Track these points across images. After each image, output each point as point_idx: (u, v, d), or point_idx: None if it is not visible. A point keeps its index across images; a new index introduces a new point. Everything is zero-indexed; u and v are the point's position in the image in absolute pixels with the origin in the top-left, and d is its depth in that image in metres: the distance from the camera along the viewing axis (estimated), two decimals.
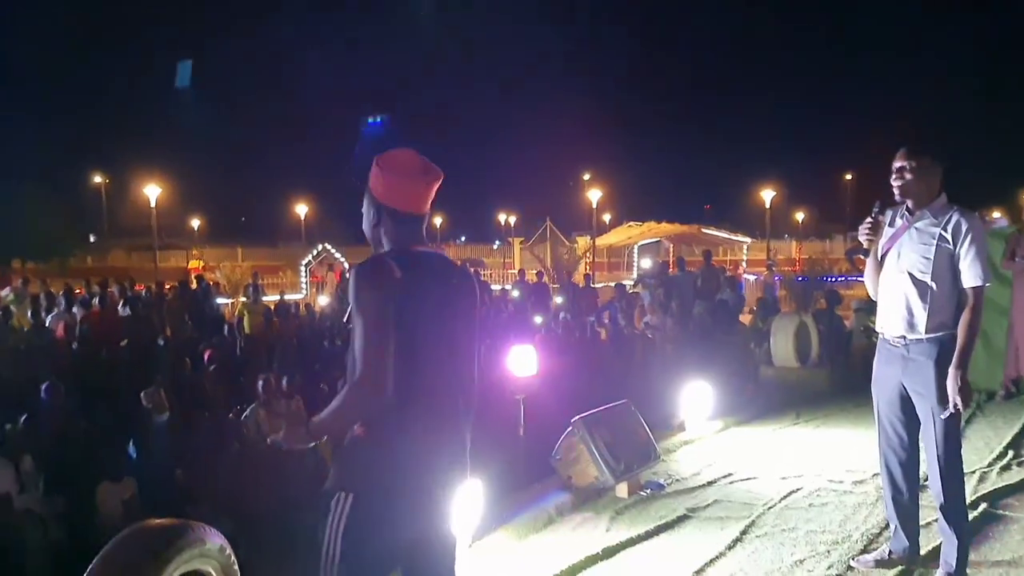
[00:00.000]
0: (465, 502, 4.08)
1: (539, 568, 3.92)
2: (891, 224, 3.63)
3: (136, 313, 11.59)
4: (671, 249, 25.88)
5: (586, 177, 42.52)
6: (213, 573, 2.40)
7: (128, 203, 39.82)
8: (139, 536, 2.25)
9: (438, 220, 56.26)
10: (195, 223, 45.91)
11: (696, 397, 6.86)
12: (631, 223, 27.37)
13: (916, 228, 3.53)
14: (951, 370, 3.40)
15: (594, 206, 31.40)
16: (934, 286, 3.46)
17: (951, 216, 3.47)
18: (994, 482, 5.12)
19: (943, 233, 3.45)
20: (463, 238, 53.60)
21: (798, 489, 5.14)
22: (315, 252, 20.75)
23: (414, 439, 2.10)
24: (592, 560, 4.07)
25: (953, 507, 3.56)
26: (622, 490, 5.10)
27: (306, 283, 20.17)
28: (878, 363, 3.74)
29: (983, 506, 4.60)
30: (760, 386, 8.68)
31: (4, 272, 16.50)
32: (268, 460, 6.71)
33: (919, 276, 3.48)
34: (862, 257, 3.80)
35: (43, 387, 6.83)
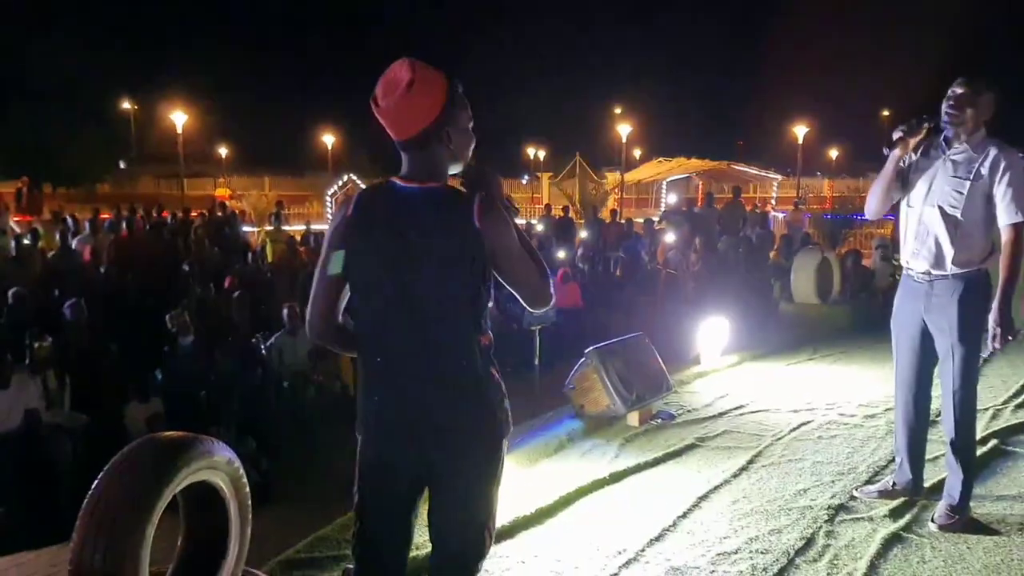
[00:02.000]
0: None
1: (547, 491, 4.01)
2: (925, 154, 3.52)
3: (162, 239, 11.76)
4: (700, 186, 25.55)
5: (617, 111, 41.86)
6: (221, 484, 2.49)
7: (157, 130, 39.97)
8: (149, 447, 2.34)
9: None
10: (223, 151, 45.97)
11: (713, 332, 6.88)
12: (660, 159, 26.98)
13: (952, 160, 3.43)
14: (994, 304, 3.34)
15: (623, 141, 30.98)
16: (964, 222, 3.38)
17: (989, 151, 3.37)
18: (1007, 419, 5.12)
19: (980, 168, 3.36)
20: None
21: (808, 422, 5.18)
22: (340, 182, 20.81)
23: (371, 388, 2.09)
24: (599, 484, 4.16)
25: (963, 443, 3.57)
26: (633, 419, 5.17)
27: (332, 213, 20.23)
28: (900, 298, 3.70)
29: (993, 442, 4.61)
30: (779, 322, 8.67)
31: (36, 197, 16.78)
32: (290, 385, 6.89)
33: (949, 211, 3.40)
34: (886, 153, 3.54)
35: (67, 305, 6.99)
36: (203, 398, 6.46)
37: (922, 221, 3.50)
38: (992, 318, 3.35)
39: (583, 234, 14.64)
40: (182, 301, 7.72)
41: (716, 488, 4.09)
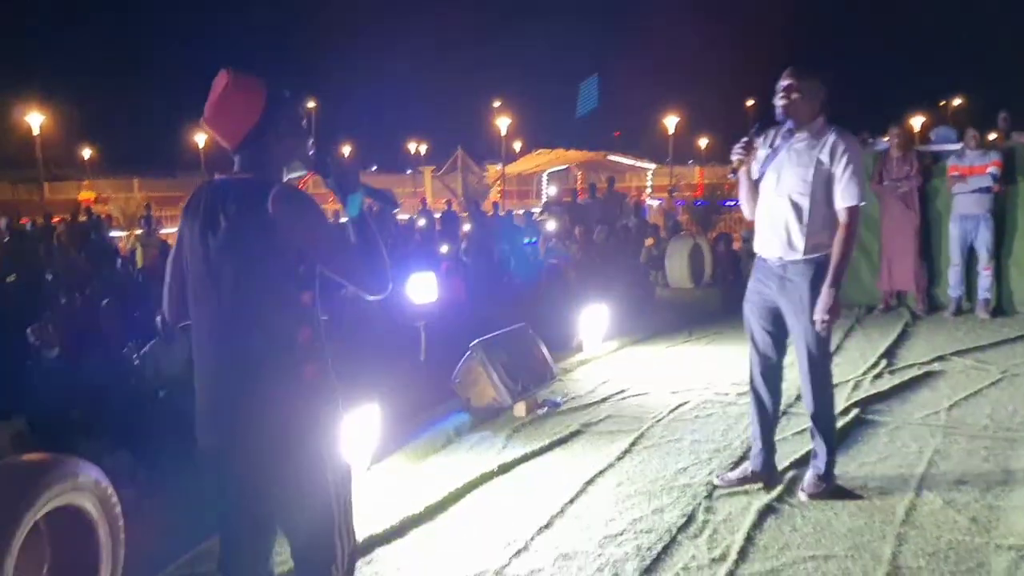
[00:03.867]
0: (360, 427, 4.14)
1: (436, 487, 4.02)
2: (771, 145, 3.69)
3: (22, 247, 11.05)
4: (580, 176, 26.07)
5: (496, 104, 42.06)
6: (88, 506, 2.38)
7: (12, 133, 37.38)
8: (6, 470, 2.21)
9: (347, 149, 54.93)
10: (87, 153, 43.48)
11: (594, 319, 7.05)
12: (540, 150, 27.33)
13: (795, 149, 3.60)
14: (824, 288, 3.53)
15: (503, 134, 31.22)
16: (812, 208, 3.56)
17: (828, 137, 3.54)
18: (867, 390, 5.47)
19: (820, 155, 3.53)
20: (374, 167, 52.57)
21: (686, 403, 5.39)
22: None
23: (196, 381, 2.17)
24: (487, 477, 4.20)
25: (823, 416, 3.77)
26: (519, 409, 5.25)
27: None
28: (754, 282, 3.84)
29: (855, 412, 4.92)
30: (656, 307, 8.97)
31: None
32: (166, 395, 6.62)
33: (797, 198, 3.57)
34: (732, 179, 3.87)
35: None
36: (73, 413, 6.13)
37: (772, 210, 3.66)
38: (820, 303, 3.53)
39: (466, 227, 14.69)
40: (45, 313, 7.28)
41: (601, 472, 4.20)
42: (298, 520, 2.10)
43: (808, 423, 3.88)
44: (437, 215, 16.62)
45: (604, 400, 5.59)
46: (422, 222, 15.78)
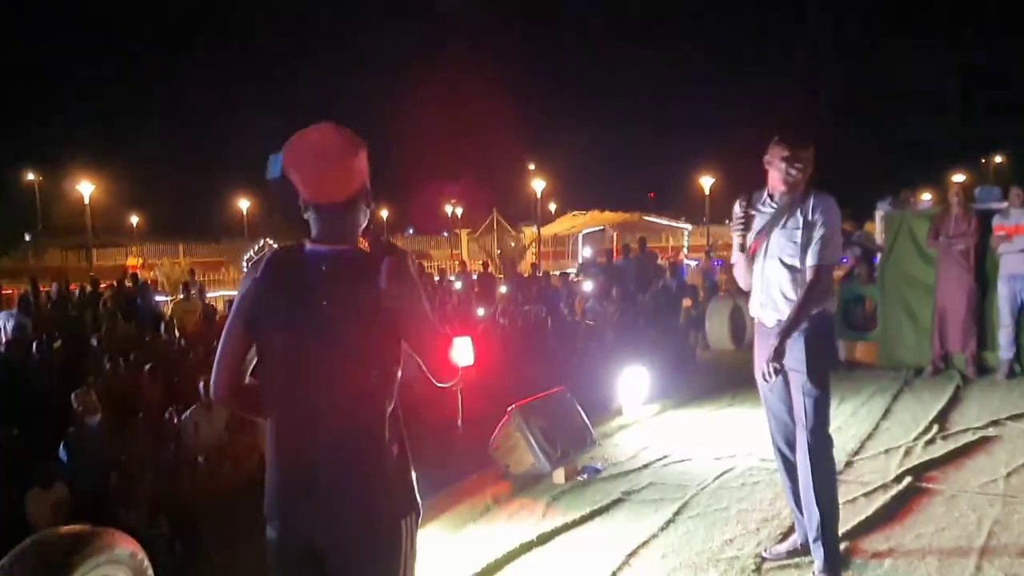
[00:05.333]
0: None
1: (475, 558, 3.93)
2: (754, 211, 3.64)
3: (68, 313, 11.29)
4: (615, 237, 26.11)
5: (531, 167, 42.59)
6: None
7: (64, 201, 38.70)
8: (39, 546, 2.20)
9: (384, 212, 55.84)
10: (134, 220, 44.76)
11: (633, 382, 6.95)
12: (576, 212, 27.50)
13: (780, 212, 3.58)
14: (773, 338, 3.46)
15: (539, 196, 31.51)
16: (802, 268, 3.53)
17: (809, 198, 3.54)
18: (919, 456, 5.28)
19: (804, 216, 3.52)
20: (411, 230, 53.28)
21: (731, 469, 5.24)
22: (256, 247, 20.45)
23: (273, 458, 2.02)
24: (527, 547, 4.10)
25: (822, 481, 3.53)
26: (559, 476, 5.15)
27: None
28: (758, 348, 3.71)
29: (908, 479, 4.74)
30: (697, 369, 8.83)
31: None
32: (207, 462, 6.62)
33: (788, 260, 3.55)
34: (742, 256, 3.72)
35: None
36: (112, 480, 6.15)
37: (765, 274, 3.63)
38: (766, 353, 3.44)
39: (503, 289, 14.72)
40: (88, 378, 7.39)
41: (644, 543, 4.08)
42: None
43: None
44: (473, 277, 16.69)
45: (646, 466, 5.46)
46: (458, 284, 15.86)
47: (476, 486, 5.03)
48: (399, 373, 2.05)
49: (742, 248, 3.67)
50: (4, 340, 9.46)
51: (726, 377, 8.29)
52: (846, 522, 4.03)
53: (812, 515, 3.54)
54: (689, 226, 29.64)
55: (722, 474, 5.15)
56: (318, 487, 1.94)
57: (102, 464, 6.25)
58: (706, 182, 35.64)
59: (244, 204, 42.35)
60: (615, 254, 15.60)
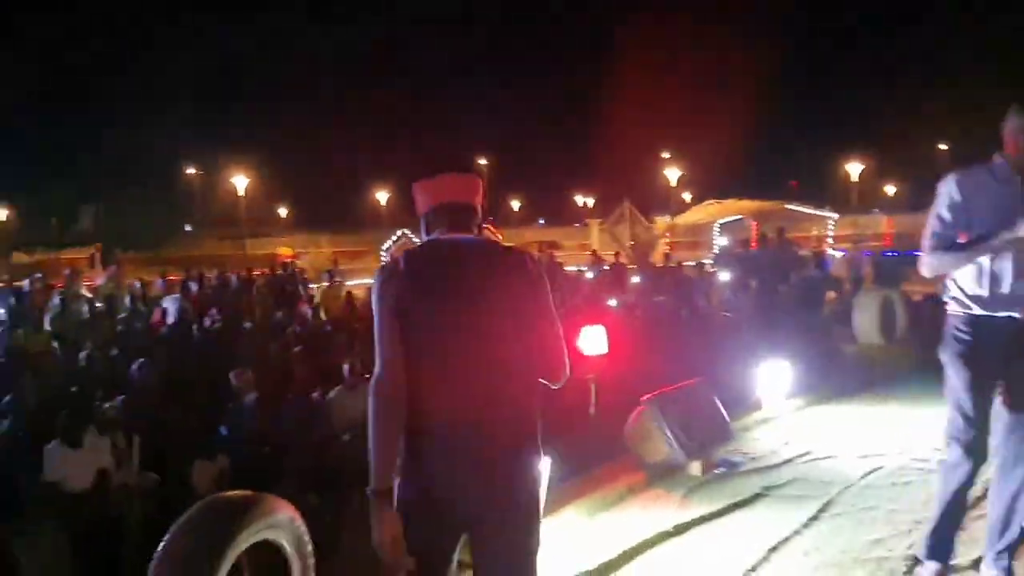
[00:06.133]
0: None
1: (610, 545, 3.94)
2: (979, 191, 3.14)
3: (226, 298, 12.07)
4: (754, 226, 25.29)
5: (665, 155, 41.86)
6: (284, 543, 2.50)
7: (219, 194, 41.35)
8: (211, 508, 2.37)
9: (516, 204, 56.42)
10: (282, 212, 47.25)
11: (774, 375, 6.73)
12: (712, 201, 26.82)
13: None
14: None
15: (673, 184, 30.98)
16: None
17: None
18: None
19: None
20: (541, 221, 53.58)
21: (879, 468, 5.01)
22: (394, 237, 21.09)
23: (430, 424, 2.06)
24: (663, 537, 4.07)
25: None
26: (695, 468, 5.07)
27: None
28: (976, 347, 3.22)
29: None
30: (842, 364, 8.45)
31: (113, 262, 17.43)
32: (351, 439, 6.93)
33: None
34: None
35: (135, 366, 7.19)
36: (266, 454, 6.54)
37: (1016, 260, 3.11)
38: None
39: (635, 280, 14.59)
40: (245, 359, 7.88)
41: (786, 539, 3.96)
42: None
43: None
44: (605, 267, 16.61)
45: (787, 462, 5.29)
46: (590, 275, 15.84)
47: (610, 474, 5.02)
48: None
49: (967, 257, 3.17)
50: (169, 322, 10.22)
51: (874, 373, 7.91)
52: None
53: (1011, 530, 3.23)
54: (835, 215, 28.26)
55: (869, 472, 4.93)
56: (481, 460, 2.02)
57: (257, 439, 6.67)
58: (854, 168, 33.88)
59: (384, 196, 43.86)
60: (753, 244, 15.16)
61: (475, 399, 2.02)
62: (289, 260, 20.59)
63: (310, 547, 2.64)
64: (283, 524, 2.46)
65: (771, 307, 10.24)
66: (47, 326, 9.38)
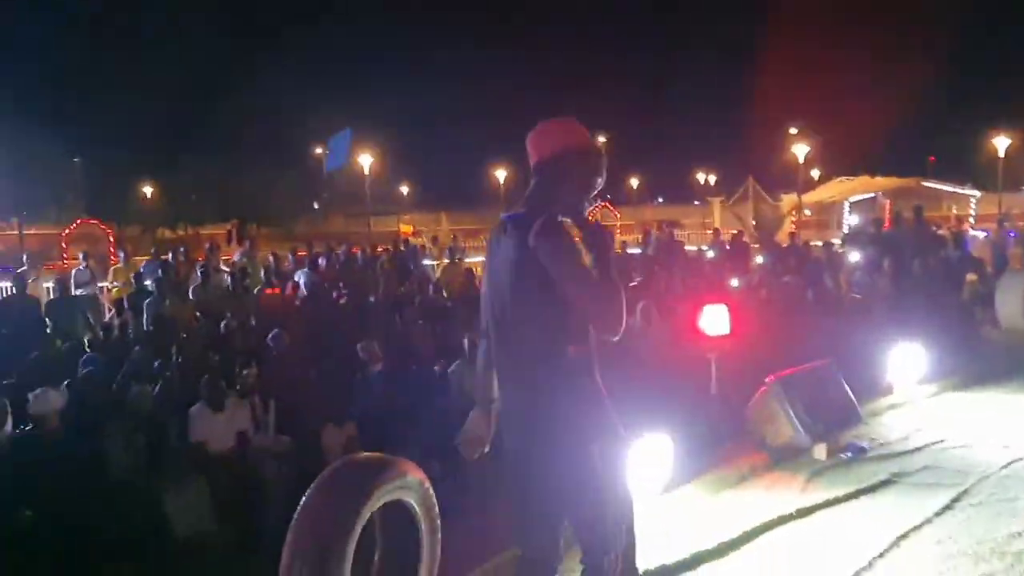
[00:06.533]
0: (650, 455, 4.14)
1: (729, 524, 3.91)
2: None
3: (354, 273, 12.52)
4: (887, 205, 24.07)
5: (793, 131, 40.21)
6: (413, 503, 2.62)
7: (345, 173, 42.77)
8: (349, 467, 2.52)
9: (634, 181, 55.61)
10: (404, 190, 48.39)
11: (907, 359, 6.45)
12: (842, 178, 25.70)
13: None
14: None
15: (800, 161, 29.75)
16: None
17: None
18: None
19: None
20: (660, 199, 52.71)
21: (1021, 458, 4.72)
22: None
23: (499, 393, 2.48)
24: (785, 520, 4.00)
25: None
26: (820, 451, 4.94)
27: None
28: None
29: None
30: (983, 349, 7.97)
31: (248, 237, 18.43)
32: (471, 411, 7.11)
33: None
34: None
35: (271, 336, 7.61)
36: (391, 423, 6.80)
37: None
38: None
39: (759, 259, 14.16)
40: (371, 332, 8.18)
41: (917, 528, 3.82)
42: (571, 504, 2.32)
43: None
44: (727, 247, 16.21)
45: (919, 449, 5.08)
46: (711, 254, 15.49)
47: (731, 454, 4.96)
48: (574, 323, 2.30)
49: None
50: (301, 294, 10.72)
51: (1019, 359, 7.43)
52: None
53: None
54: (977, 193, 26.51)
55: (1011, 463, 4.67)
56: (517, 413, 2.37)
57: (383, 407, 6.95)
58: (1000, 143, 31.53)
59: (501, 174, 44.22)
60: (886, 223, 14.45)
61: (500, 365, 2.42)
62: (409, 237, 21.14)
63: (437, 510, 2.75)
64: (413, 486, 2.59)
65: (905, 289, 9.75)
66: (190, 297, 10.01)
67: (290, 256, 14.30)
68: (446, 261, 13.46)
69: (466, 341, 7.48)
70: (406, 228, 31.35)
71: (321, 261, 12.65)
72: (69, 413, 5.80)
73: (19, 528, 4.56)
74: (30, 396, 5.77)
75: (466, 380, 7.34)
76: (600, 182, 2.44)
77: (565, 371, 2.28)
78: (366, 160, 31.12)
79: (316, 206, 41.66)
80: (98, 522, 4.99)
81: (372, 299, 10.56)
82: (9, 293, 9.66)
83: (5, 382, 6.50)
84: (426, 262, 15.55)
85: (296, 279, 11.45)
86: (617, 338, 2.28)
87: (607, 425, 2.32)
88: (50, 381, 6.02)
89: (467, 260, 15.37)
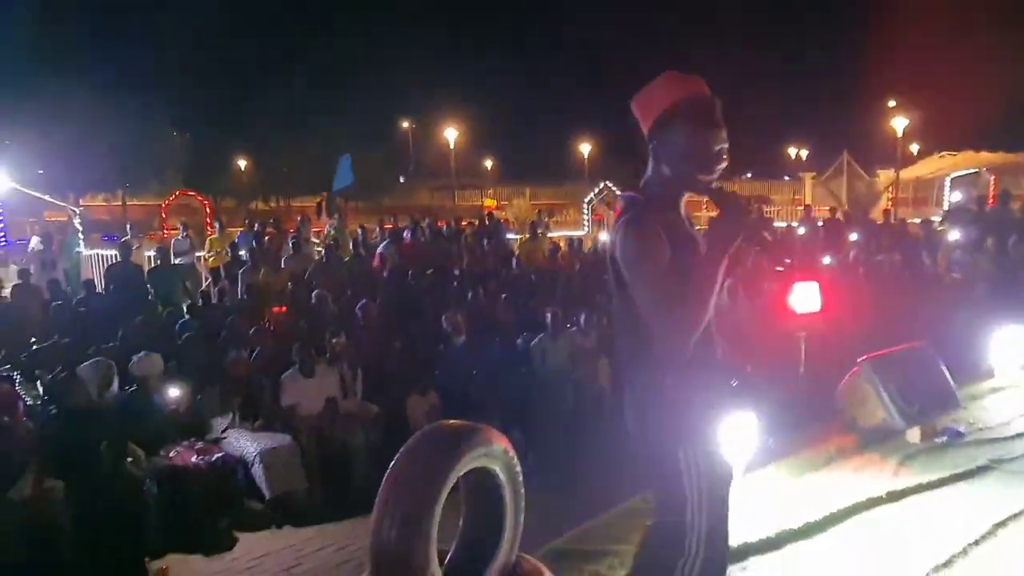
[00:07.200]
0: (735, 433, 4.08)
1: (816, 505, 3.83)
2: None
3: (439, 246, 12.68)
4: (992, 181, 22.85)
5: (891, 104, 38.50)
6: (498, 471, 2.66)
7: (431, 147, 43.18)
8: (437, 434, 2.56)
9: None
10: (488, 164, 48.55)
11: (1010, 342, 6.15)
12: (944, 153, 24.46)
13: None
14: None
15: (899, 135, 28.48)
16: None
17: None
18: None
19: None
20: (748, 174, 51.39)
21: None
22: (597, 190, 21.10)
23: None
24: (875, 503, 3.90)
25: None
26: (914, 435, 4.78)
27: (588, 220, 20.58)
28: None
29: None
30: None
31: (337, 210, 18.85)
32: (554, 385, 7.15)
33: None
34: None
35: (359, 306, 7.80)
36: (474, 392, 6.91)
37: None
38: None
39: (853, 236, 13.69)
40: (455, 304, 8.30)
41: (1016, 516, 3.67)
42: (658, 506, 2.27)
43: None
44: (819, 223, 15.72)
45: (1020, 435, 4.85)
46: (802, 230, 15.06)
47: (819, 435, 4.86)
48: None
49: None
50: (386, 268, 10.92)
51: None
52: None
53: None
54: None
55: None
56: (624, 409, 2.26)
57: (465, 378, 7.06)
58: None
59: (586, 148, 43.88)
60: (991, 200, 13.75)
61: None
62: (493, 211, 21.23)
63: (521, 478, 2.79)
64: (499, 454, 2.62)
65: (1009, 269, 9.28)
66: (282, 267, 10.33)
67: (377, 229, 14.59)
68: (528, 236, 13.47)
69: (549, 315, 7.52)
70: (490, 202, 31.49)
71: (406, 234, 12.84)
72: (169, 376, 6.11)
73: (129, 480, 4.84)
74: (134, 359, 6.09)
75: (548, 353, 7.39)
76: (722, 138, 2.09)
77: (649, 370, 2.12)
78: (451, 134, 31.31)
79: (401, 180, 42.23)
80: (195, 478, 5.25)
81: (456, 272, 10.69)
82: (114, 261, 10.14)
83: (111, 345, 6.86)
84: (509, 236, 15.60)
85: (382, 251, 11.67)
86: (683, 352, 2.06)
87: (692, 429, 2.16)
88: (151, 346, 6.35)
89: (549, 235, 15.37)
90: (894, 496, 3.95)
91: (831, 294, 7.79)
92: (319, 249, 12.42)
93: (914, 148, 38.28)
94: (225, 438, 5.84)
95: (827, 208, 19.61)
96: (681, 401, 2.14)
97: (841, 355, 5.80)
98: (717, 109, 2.11)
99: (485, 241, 13.47)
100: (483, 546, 2.76)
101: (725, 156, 2.12)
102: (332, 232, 13.34)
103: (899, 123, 29.32)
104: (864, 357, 5.00)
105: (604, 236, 16.30)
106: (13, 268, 10.69)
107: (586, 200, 20.77)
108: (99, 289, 9.43)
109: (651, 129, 2.12)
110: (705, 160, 2.10)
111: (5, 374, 6.23)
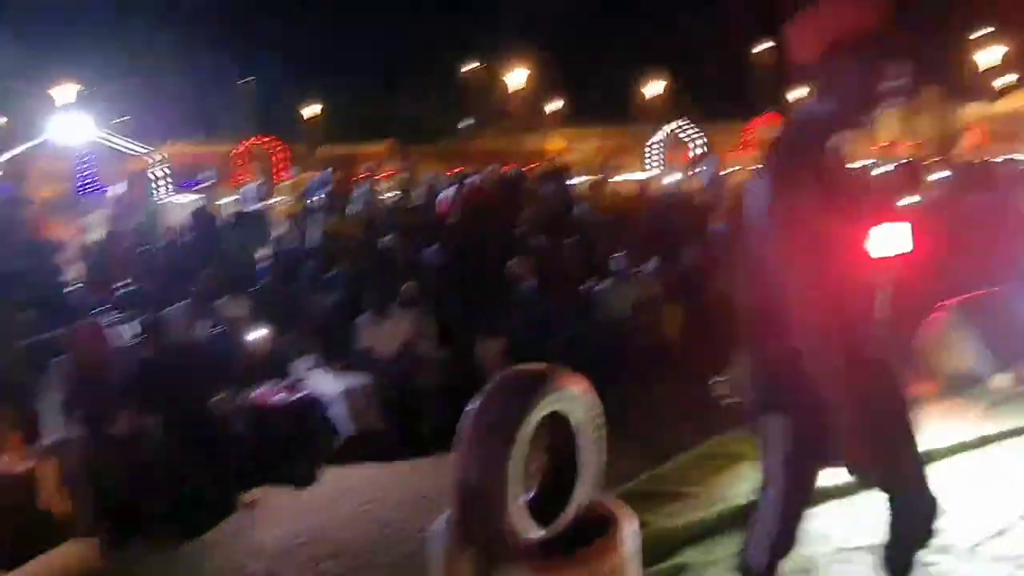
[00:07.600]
0: None
1: None
2: None
3: (504, 191, 12.64)
4: None
5: (978, 34, 36.44)
6: (579, 414, 2.67)
7: (497, 90, 42.77)
8: (515, 377, 2.59)
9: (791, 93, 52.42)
10: (555, 106, 47.89)
11: None
12: None
13: None
14: None
15: (990, 66, 27.02)
16: None
17: None
18: None
19: None
20: None
21: None
22: (668, 131, 20.62)
23: None
24: (961, 448, 3.82)
25: None
26: (1003, 381, 4.63)
27: (657, 163, 20.22)
28: None
29: None
30: None
31: (405, 155, 18.95)
32: (615, 332, 7.14)
33: None
34: None
35: (428, 251, 7.87)
36: (542, 336, 6.93)
37: None
38: None
39: (934, 176, 13.14)
40: (521, 248, 8.30)
41: None
42: None
43: None
44: (900, 161, 15.14)
45: None
46: (879, 171, 14.51)
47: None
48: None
49: None
50: (451, 214, 10.95)
51: None
52: None
53: None
54: None
55: None
56: None
57: (532, 323, 7.09)
58: None
59: (654, 89, 42.81)
60: None
61: None
62: (558, 154, 21.02)
63: (600, 421, 2.80)
64: (578, 397, 2.63)
65: None
66: (354, 212, 10.48)
67: (445, 174, 14.62)
68: (595, 179, 13.33)
69: (614, 261, 7.47)
70: (555, 145, 31.14)
71: (472, 179, 12.82)
72: (252, 319, 6.31)
73: (218, 417, 5.08)
74: (220, 301, 6.31)
75: (613, 298, 7.35)
76: (901, 74, 1.86)
77: (777, 339, 2.03)
78: (517, 76, 30.91)
79: (469, 122, 42.05)
80: (279, 416, 5.45)
81: (523, 216, 10.65)
82: (194, 208, 10.43)
83: (194, 289, 7.10)
84: (574, 180, 15.46)
85: (447, 197, 11.70)
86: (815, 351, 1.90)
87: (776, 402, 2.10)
88: (232, 290, 6.55)
89: (615, 179, 15.18)
90: (984, 441, 3.86)
91: (916, 237, 7.51)
92: (390, 195, 12.55)
93: (1009, 79, 36.19)
94: (306, 379, 6.02)
95: (908, 144, 18.88)
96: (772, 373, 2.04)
97: (923, 300, 5.61)
98: (894, 42, 1.88)
99: (550, 185, 13.38)
100: (562, 488, 2.80)
101: (902, 91, 1.92)
102: (403, 176, 13.43)
103: (990, 53, 27.75)
104: (951, 300, 4.83)
105: (670, 179, 16.02)
106: (100, 214, 11.09)
107: (649, 143, 20.40)
108: (179, 235, 9.73)
109: (819, 59, 1.91)
110: (872, 99, 1.94)
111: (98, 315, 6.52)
